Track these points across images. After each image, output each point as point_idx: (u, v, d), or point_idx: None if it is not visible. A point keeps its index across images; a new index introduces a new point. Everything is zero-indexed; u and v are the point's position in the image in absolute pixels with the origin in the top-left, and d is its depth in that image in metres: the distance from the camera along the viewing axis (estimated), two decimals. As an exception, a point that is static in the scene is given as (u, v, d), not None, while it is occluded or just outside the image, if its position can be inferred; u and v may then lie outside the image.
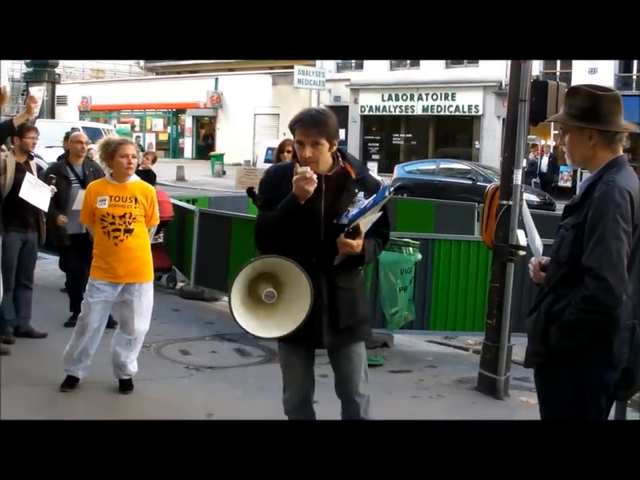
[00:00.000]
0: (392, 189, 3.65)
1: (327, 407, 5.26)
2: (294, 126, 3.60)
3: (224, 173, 31.09)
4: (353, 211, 3.58)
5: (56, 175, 7.03)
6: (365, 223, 3.56)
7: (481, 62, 27.61)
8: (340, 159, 3.70)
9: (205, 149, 38.40)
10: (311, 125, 3.55)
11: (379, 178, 3.89)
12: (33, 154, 6.94)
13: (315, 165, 3.55)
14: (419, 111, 30.64)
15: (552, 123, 18.97)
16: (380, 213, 3.59)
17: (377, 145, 32.72)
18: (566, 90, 3.29)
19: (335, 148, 3.64)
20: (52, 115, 26.97)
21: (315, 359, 3.91)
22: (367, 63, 31.19)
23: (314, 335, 3.67)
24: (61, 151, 9.06)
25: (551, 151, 25.37)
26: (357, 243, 3.54)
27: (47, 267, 9.75)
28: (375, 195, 3.54)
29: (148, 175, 8.54)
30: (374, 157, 32.13)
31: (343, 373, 3.87)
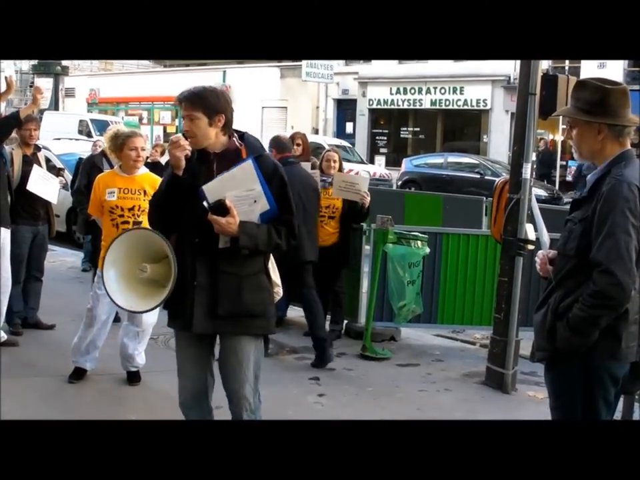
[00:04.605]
0: (251, 160, 3.37)
1: (335, 398, 5.29)
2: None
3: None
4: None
5: (90, 166, 7.11)
6: (234, 200, 3.32)
7: (490, 55, 27.45)
8: (236, 140, 3.52)
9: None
10: (186, 99, 3.42)
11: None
12: (40, 146, 6.94)
13: (195, 140, 3.40)
14: (427, 105, 30.51)
15: (560, 118, 18.81)
16: (255, 191, 3.35)
17: (385, 138, 32.59)
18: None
19: (220, 124, 3.43)
20: (56, 107, 26.97)
21: (212, 352, 3.67)
22: (375, 55, 31.04)
23: (187, 318, 3.44)
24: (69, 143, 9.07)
25: (548, 145, 25.07)
26: (227, 221, 3.30)
27: (55, 258, 9.78)
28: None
29: (156, 168, 8.53)
30: (382, 150, 32.00)
31: (227, 366, 3.57)
